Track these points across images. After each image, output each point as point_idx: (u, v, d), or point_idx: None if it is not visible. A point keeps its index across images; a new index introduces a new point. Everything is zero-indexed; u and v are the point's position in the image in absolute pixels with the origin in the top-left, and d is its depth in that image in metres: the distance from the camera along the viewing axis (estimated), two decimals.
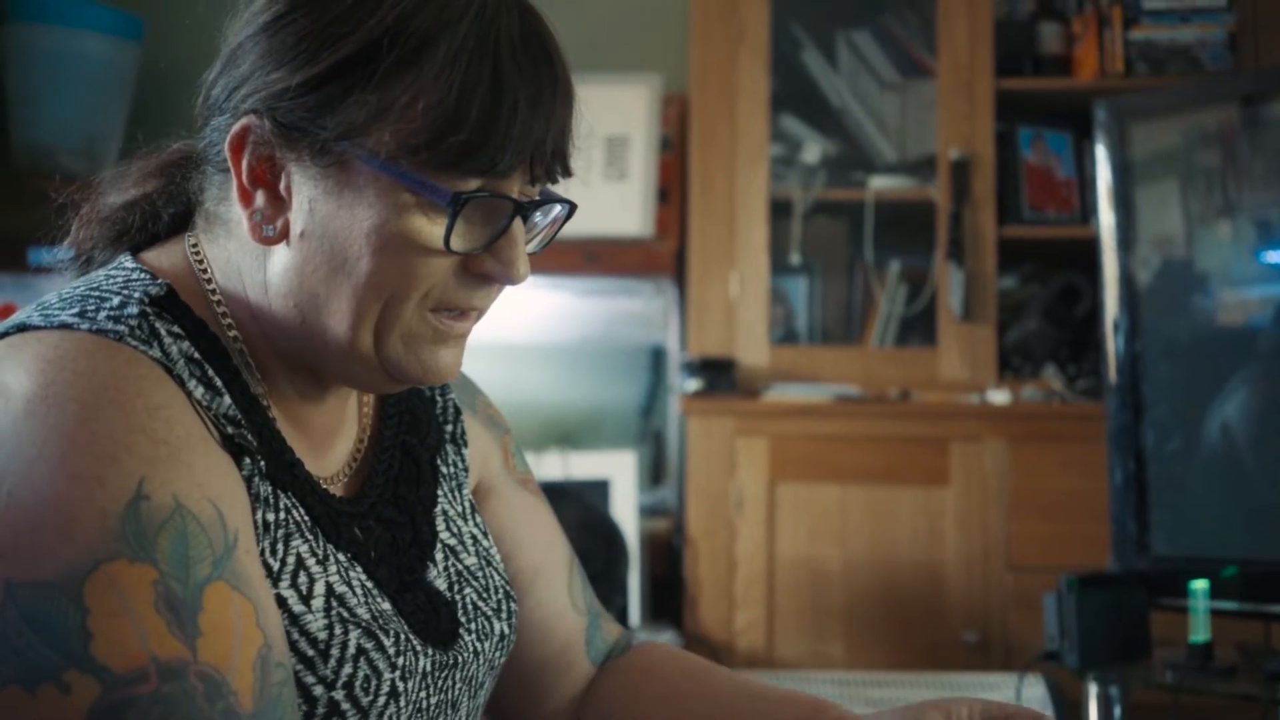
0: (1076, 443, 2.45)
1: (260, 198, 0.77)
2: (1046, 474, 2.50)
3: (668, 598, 2.66)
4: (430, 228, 0.76)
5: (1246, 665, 1.82)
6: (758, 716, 0.96)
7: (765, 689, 0.99)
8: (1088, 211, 2.74)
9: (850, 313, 2.80)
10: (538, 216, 0.83)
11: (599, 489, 2.62)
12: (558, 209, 0.83)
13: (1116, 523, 1.96)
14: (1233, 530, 1.88)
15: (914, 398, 2.59)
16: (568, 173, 0.81)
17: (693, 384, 2.60)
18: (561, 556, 1.05)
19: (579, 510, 2.28)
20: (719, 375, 2.60)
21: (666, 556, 2.71)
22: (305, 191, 0.76)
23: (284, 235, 0.77)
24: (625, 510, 2.61)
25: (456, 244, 0.77)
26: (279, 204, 0.77)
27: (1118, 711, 1.84)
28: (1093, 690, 1.84)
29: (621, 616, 2.42)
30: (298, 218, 0.77)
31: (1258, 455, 1.86)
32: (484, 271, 0.79)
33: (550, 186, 0.82)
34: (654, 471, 2.93)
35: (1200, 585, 1.79)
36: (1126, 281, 2.00)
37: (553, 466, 2.66)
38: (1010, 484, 2.51)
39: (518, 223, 0.79)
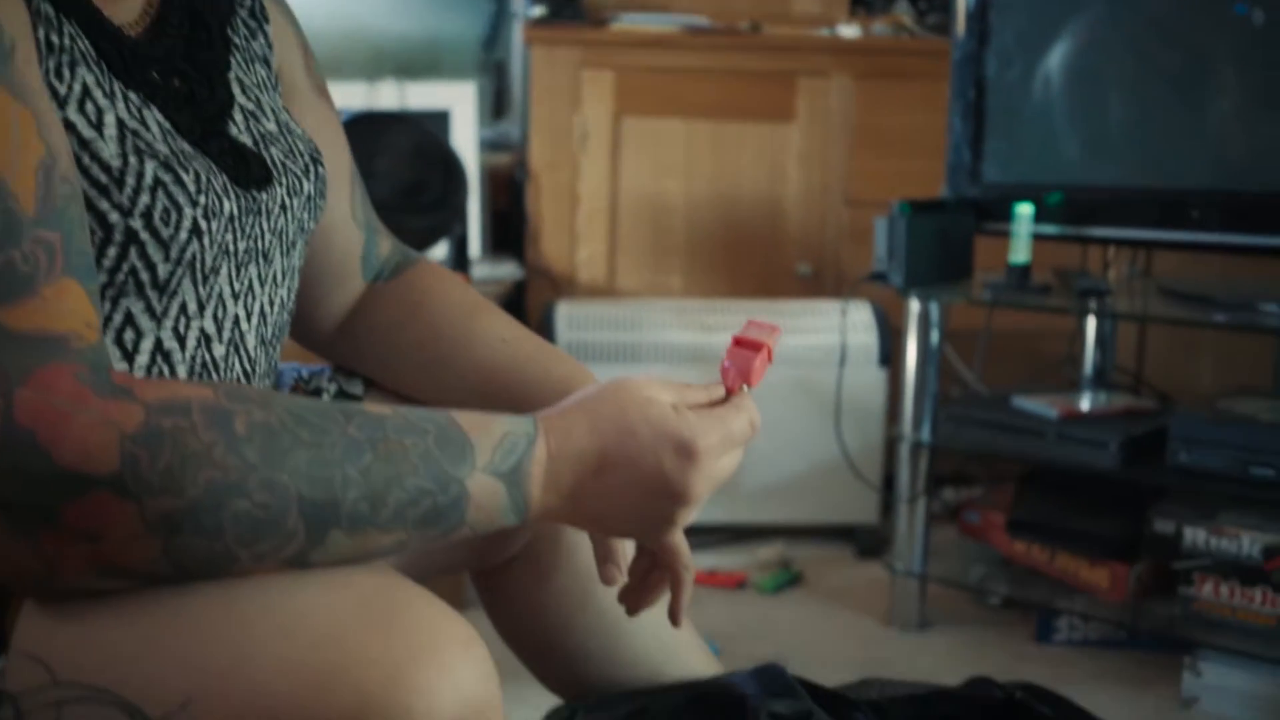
0: (923, 80, 2.43)
1: None
2: (891, 111, 2.50)
3: (510, 231, 2.64)
4: None
5: (1061, 285, 1.90)
6: (499, 390, 0.97)
7: (523, 364, 0.98)
8: None
9: None
10: None
11: (438, 120, 2.53)
12: None
13: (953, 150, 1.98)
14: (1063, 158, 1.91)
15: (765, 30, 2.52)
16: None
17: (536, 10, 2.48)
18: (345, 168, 1.04)
19: (414, 136, 2.20)
20: (564, 2, 2.48)
21: (509, 190, 2.66)
22: None
23: None
24: (465, 143, 2.53)
25: None
26: None
27: (935, 334, 1.92)
28: (914, 308, 1.91)
29: (461, 247, 2.39)
30: None
31: (1094, 83, 1.87)
32: None
33: None
34: (496, 104, 2.84)
35: (1024, 209, 1.84)
36: None
37: (389, 97, 2.55)
38: (854, 120, 2.50)
39: None
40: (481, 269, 2.45)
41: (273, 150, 0.88)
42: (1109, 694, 1.72)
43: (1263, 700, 1.63)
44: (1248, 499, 1.69)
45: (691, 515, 0.78)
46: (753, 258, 2.54)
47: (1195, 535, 1.71)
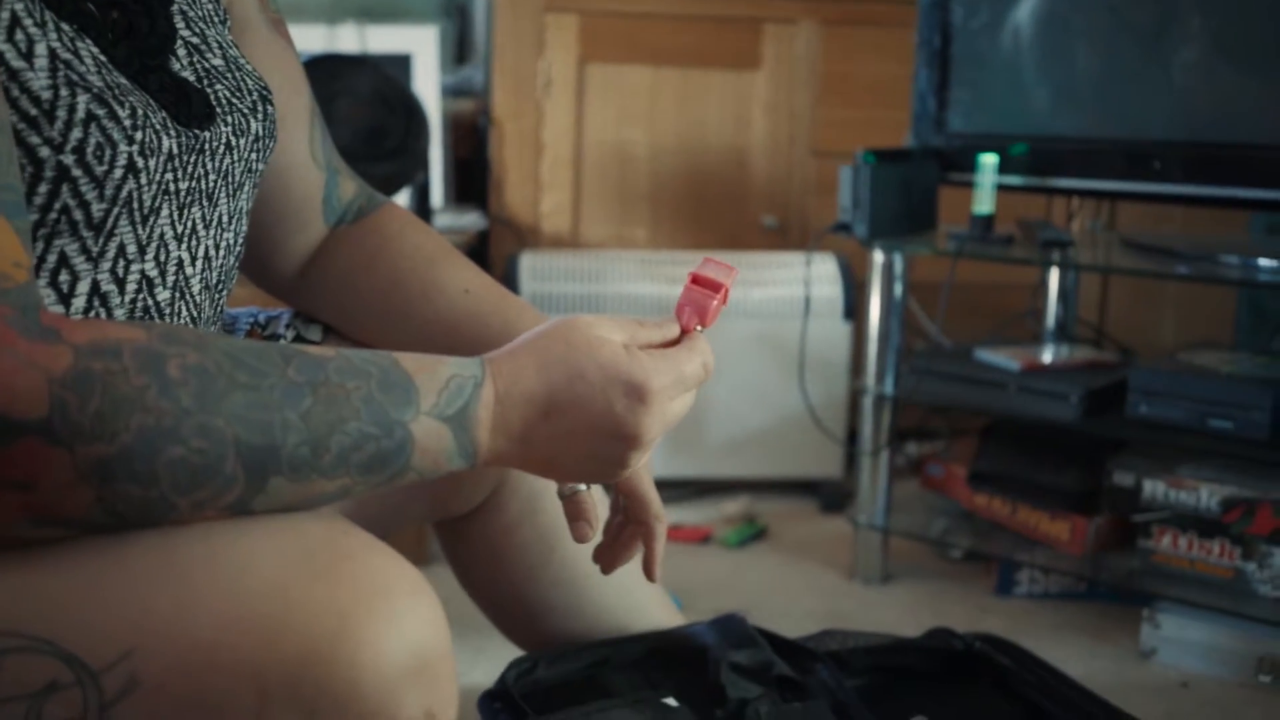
0: (891, 27, 2.41)
1: None
2: (858, 59, 2.47)
3: (473, 180, 2.60)
4: None
5: (1024, 235, 1.89)
6: (460, 343, 0.96)
7: (485, 316, 0.97)
8: None
9: None
10: None
11: (399, 65, 2.48)
12: None
13: (918, 100, 1.96)
14: (1029, 108, 1.89)
15: None
16: None
17: None
18: (304, 106, 1.00)
19: (375, 80, 2.15)
20: None
21: (472, 138, 2.62)
22: None
23: None
24: (427, 88, 2.48)
25: None
26: None
27: (899, 287, 1.90)
28: (878, 258, 1.89)
29: (424, 196, 2.35)
30: None
31: (1060, 32, 1.85)
32: None
33: None
34: (459, 49, 2.79)
35: (989, 159, 1.82)
36: None
37: (349, 40, 2.49)
38: (821, 68, 2.48)
39: None
40: (444, 219, 2.41)
41: (218, 87, 0.84)
42: (1068, 645, 1.73)
43: (1220, 652, 1.65)
44: (1206, 451, 1.69)
45: (643, 457, 0.77)
46: (718, 209, 2.52)
47: (1154, 488, 1.72)
